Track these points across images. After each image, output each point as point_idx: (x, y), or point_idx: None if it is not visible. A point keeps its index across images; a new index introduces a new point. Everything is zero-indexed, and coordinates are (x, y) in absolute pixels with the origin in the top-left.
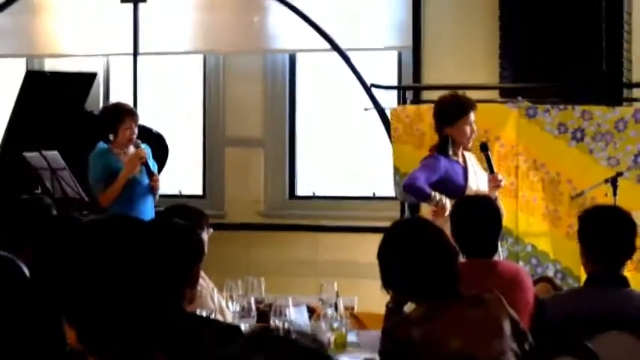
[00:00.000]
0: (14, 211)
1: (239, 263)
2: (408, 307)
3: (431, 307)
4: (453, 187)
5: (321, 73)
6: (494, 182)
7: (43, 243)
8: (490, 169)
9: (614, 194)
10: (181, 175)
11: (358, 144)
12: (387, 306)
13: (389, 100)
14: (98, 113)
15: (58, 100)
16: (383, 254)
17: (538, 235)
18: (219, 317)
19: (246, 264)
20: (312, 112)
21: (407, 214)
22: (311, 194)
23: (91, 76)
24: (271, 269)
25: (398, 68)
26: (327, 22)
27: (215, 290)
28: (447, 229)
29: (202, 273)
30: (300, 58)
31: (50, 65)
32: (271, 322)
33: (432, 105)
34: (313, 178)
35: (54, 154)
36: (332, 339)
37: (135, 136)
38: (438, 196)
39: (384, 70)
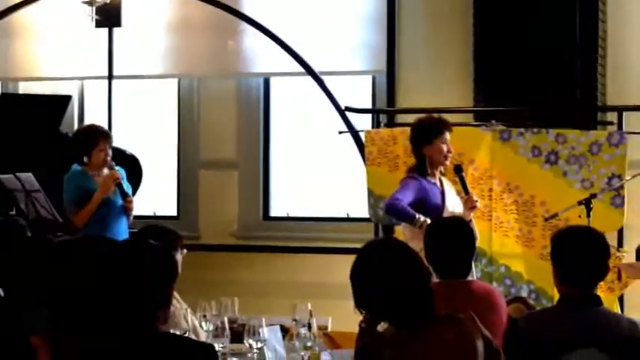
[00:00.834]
0: None
1: (213, 284)
2: (381, 327)
3: (404, 328)
4: (431, 208)
5: (296, 96)
6: (470, 203)
7: (17, 264)
8: (465, 190)
9: (588, 216)
10: (156, 197)
11: (332, 166)
12: (360, 325)
13: (363, 123)
14: (72, 135)
15: (33, 122)
16: (355, 275)
17: (512, 256)
18: (193, 337)
19: (221, 285)
20: (286, 135)
21: (380, 235)
22: (285, 215)
23: (65, 99)
24: (245, 290)
25: (372, 92)
26: (301, 46)
27: (189, 311)
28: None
29: (176, 294)
30: (274, 82)
31: (25, 88)
32: (245, 341)
33: (406, 128)
34: (287, 200)
35: (28, 176)
36: (306, 358)
37: (109, 158)
38: (422, 217)
39: (358, 93)
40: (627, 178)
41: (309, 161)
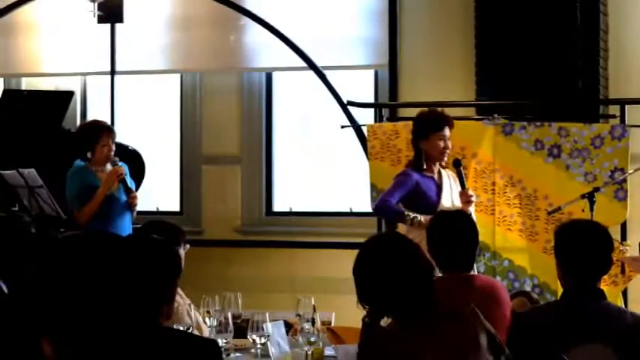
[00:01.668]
0: None
1: (216, 280)
2: (385, 322)
3: (407, 322)
4: (425, 202)
5: (298, 91)
6: (464, 197)
7: (22, 261)
8: (462, 184)
9: (591, 210)
10: (159, 192)
11: (335, 161)
12: (363, 320)
13: (365, 117)
14: (75, 131)
15: (36, 118)
16: (358, 270)
17: (515, 250)
18: (197, 332)
19: (224, 280)
20: (288, 130)
21: (383, 229)
22: (288, 210)
23: (68, 95)
24: (248, 285)
25: (374, 86)
26: (303, 40)
27: (192, 306)
28: (423, 244)
29: (179, 289)
30: (276, 77)
31: (27, 84)
32: (248, 337)
33: (408, 122)
34: (290, 195)
35: (31, 172)
36: (309, 353)
37: (112, 153)
38: (412, 214)
39: (360, 87)
40: (630, 171)
41: (312, 156)
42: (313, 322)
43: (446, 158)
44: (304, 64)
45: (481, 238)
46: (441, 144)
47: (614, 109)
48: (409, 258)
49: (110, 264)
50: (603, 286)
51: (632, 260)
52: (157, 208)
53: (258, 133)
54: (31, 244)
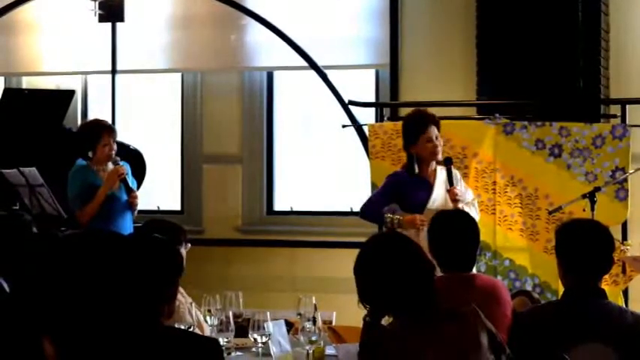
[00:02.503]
0: None
1: (217, 279)
2: (386, 321)
3: (408, 322)
4: (413, 203)
5: (299, 90)
6: (451, 195)
7: (23, 259)
8: (449, 182)
9: (592, 209)
10: (160, 192)
11: (336, 160)
12: (364, 319)
13: (366, 117)
14: (76, 130)
15: (36, 117)
16: (359, 269)
17: (516, 249)
18: (198, 331)
19: (225, 279)
20: (289, 129)
21: (384, 229)
22: (289, 210)
23: (69, 94)
24: (249, 285)
25: (375, 85)
26: (304, 40)
27: (193, 305)
28: (424, 244)
29: (180, 288)
30: (277, 76)
31: (28, 83)
32: (249, 336)
33: None
34: (291, 194)
35: (32, 171)
36: (310, 352)
37: (114, 152)
38: (389, 218)
39: (361, 87)
40: (631, 171)
41: (313, 155)
42: (314, 321)
43: (439, 157)
44: (305, 64)
45: (482, 237)
46: (429, 145)
47: (615, 109)
48: (410, 257)
49: (112, 263)
50: (604, 285)
51: (633, 260)
52: (158, 207)
53: (259, 133)
54: (32, 242)
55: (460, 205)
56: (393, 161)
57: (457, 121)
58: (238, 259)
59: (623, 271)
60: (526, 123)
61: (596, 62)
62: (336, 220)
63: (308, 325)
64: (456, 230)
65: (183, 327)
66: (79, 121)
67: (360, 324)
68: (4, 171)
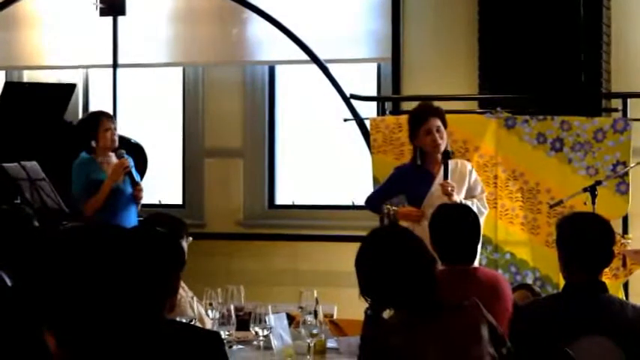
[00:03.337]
0: None
1: (219, 273)
2: (387, 314)
3: (409, 315)
4: (413, 197)
5: (301, 84)
6: (442, 190)
7: (25, 253)
8: (444, 176)
9: (593, 203)
10: (161, 185)
11: (337, 154)
12: (365, 313)
13: (368, 111)
14: (77, 124)
15: (37, 111)
16: (360, 263)
17: (517, 243)
18: (199, 325)
19: (226, 273)
20: (291, 123)
21: (386, 222)
22: (290, 204)
23: (70, 87)
24: (251, 278)
25: (377, 79)
26: (306, 33)
27: (195, 299)
28: (426, 237)
29: (181, 282)
30: (279, 70)
31: (29, 76)
32: (251, 329)
33: None
34: (292, 188)
35: (33, 165)
36: (312, 345)
37: (116, 138)
38: (385, 209)
39: (363, 81)
40: (632, 164)
41: (315, 149)
42: (316, 314)
43: (441, 149)
44: (307, 58)
45: (483, 231)
46: (428, 138)
47: (616, 103)
48: (411, 251)
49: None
50: (605, 279)
51: (634, 253)
52: (160, 201)
53: (261, 127)
54: (33, 236)
55: (457, 199)
56: (395, 155)
57: (459, 115)
58: (240, 252)
59: (624, 265)
60: (527, 117)
61: (597, 56)
62: (338, 214)
63: (309, 318)
64: (457, 223)
65: (184, 321)
66: (80, 115)
67: (362, 317)
68: (5, 165)
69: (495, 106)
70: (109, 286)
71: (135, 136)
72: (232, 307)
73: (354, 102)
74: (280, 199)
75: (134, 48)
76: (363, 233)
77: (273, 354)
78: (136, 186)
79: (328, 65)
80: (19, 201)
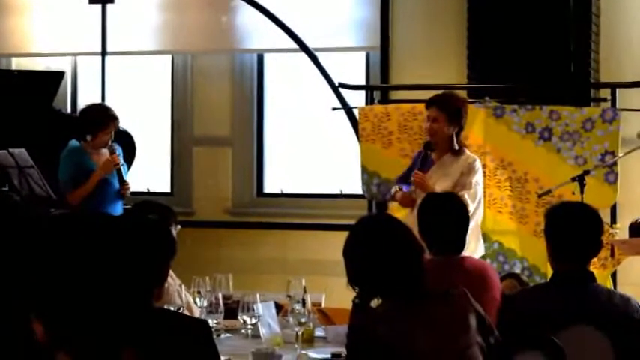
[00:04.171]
0: None
1: (207, 261)
2: (375, 303)
3: (396, 304)
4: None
5: (289, 72)
6: (413, 180)
7: (12, 240)
8: (421, 165)
9: (581, 192)
10: (149, 174)
11: (326, 143)
12: (353, 301)
13: (357, 99)
14: (83, 111)
15: (26, 98)
16: (348, 251)
17: (505, 232)
18: (187, 313)
19: (215, 262)
20: (280, 112)
21: (374, 211)
22: (279, 192)
23: (58, 75)
24: (239, 267)
25: (366, 68)
26: (295, 22)
27: (182, 287)
28: (415, 226)
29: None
30: (268, 58)
31: (18, 64)
32: (239, 317)
33: (400, 105)
34: (281, 177)
35: (21, 152)
36: (299, 334)
37: (111, 141)
38: (393, 191)
39: (352, 70)
40: (620, 154)
41: (303, 138)
42: (304, 303)
43: (436, 139)
44: (296, 46)
45: None
46: (423, 126)
47: (605, 93)
48: (399, 239)
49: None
50: (593, 268)
51: (622, 243)
52: (148, 189)
53: (250, 115)
54: (20, 223)
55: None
56: (384, 144)
57: None
58: (228, 241)
59: (612, 254)
60: (516, 106)
61: (586, 46)
62: (326, 202)
63: (297, 306)
64: (445, 213)
65: (172, 308)
66: (69, 103)
67: (349, 306)
68: None
69: (484, 96)
70: (98, 274)
71: (123, 124)
72: (220, 295)
73: (342, 91)
74: (269, 187)
75: (123, 36)
76: (352, 222)
77: (261, 342)
78: (123, 184)
79: (317, 54)
80: (6, 188)
